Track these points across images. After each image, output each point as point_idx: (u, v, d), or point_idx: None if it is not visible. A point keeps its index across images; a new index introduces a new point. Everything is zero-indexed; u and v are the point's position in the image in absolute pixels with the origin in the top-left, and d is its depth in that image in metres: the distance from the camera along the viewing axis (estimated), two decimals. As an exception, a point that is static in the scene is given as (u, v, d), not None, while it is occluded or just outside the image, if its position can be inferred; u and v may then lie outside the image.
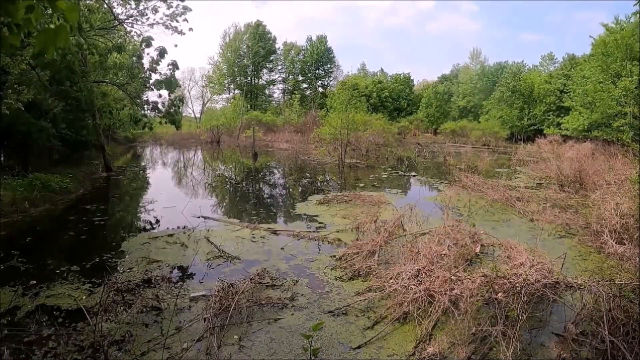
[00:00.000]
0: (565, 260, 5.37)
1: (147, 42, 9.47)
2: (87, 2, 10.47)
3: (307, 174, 17.90)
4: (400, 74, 59.50)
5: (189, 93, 61.35)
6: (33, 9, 1.87)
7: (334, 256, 6.06)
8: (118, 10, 12.57)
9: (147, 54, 11.05)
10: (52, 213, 8.91)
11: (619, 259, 5.90)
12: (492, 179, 13.73)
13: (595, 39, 30.74)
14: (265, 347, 3.64)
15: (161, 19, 12.37)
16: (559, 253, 5.53)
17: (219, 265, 5.74)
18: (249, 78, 59.11)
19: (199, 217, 8.36)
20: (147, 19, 12.41)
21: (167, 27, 12.43)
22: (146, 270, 5.39)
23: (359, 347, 3.64)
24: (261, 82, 60.32)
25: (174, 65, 10.23)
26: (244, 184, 15.43)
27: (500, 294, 4.03)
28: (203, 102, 62.52)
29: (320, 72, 60.60)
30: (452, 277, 4.44)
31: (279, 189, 14.22)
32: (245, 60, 57.63)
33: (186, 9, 12.30)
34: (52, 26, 1.89)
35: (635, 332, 3.39)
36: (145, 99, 13.52)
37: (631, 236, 6.41)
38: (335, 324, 4.05)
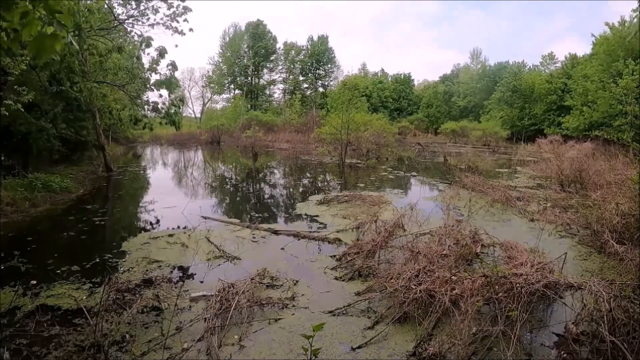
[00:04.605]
0: (566, 260, 5.35)
1: (147, 42, 9.45)
2: (87, 2, 10.47)
3: (308, 174, 17.90)
4: (400, 74, 59.57)
5: (189, 93, 61.49)
6: (28, 13, 1.88)
7: (334, 256, 6.06)
8: (118, 10, 12.58)
9: (148, 54, 11.04)
10: (52, 213, 8.92)
11: (619, 259, 5.89)
12: (492, 179, 13.72)
13: (597, 38, 30.71)
14: (266, 347, 3.64)
15: (161, 19, 12.34)
16: (559, 253, 5.51)
17: (219, 265, 5.74)
18: (249, 78, 59.13)
19: (198, 221, 8.35)
20: (148, 19, 12.39)
21: (167, 28, 12.39)
22: (146, 270, 5.39)
23: (359, 347, 3.64)
24: (261, 82, 60.32)
25: (173, 66, 10.21)
26: (244, 184, 15.42)
27: (500, 294, 4.03)
28: (203, 102, 62.62)
29: (321, 72, 60.64)
30: (453, 277, 4.44)
31: (280, 189, 14.21)
32: (245, 60, 57.63)
33: (186, 9, 12.27)
34: (48, 30, 1.89)
35: (636, 332, 3.38)
36: (146, 99, 13.51)
37: (632, 236, 6.40)
38: (335, 324, 4.05)
